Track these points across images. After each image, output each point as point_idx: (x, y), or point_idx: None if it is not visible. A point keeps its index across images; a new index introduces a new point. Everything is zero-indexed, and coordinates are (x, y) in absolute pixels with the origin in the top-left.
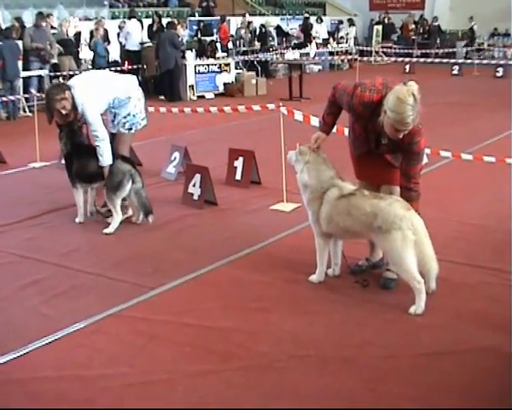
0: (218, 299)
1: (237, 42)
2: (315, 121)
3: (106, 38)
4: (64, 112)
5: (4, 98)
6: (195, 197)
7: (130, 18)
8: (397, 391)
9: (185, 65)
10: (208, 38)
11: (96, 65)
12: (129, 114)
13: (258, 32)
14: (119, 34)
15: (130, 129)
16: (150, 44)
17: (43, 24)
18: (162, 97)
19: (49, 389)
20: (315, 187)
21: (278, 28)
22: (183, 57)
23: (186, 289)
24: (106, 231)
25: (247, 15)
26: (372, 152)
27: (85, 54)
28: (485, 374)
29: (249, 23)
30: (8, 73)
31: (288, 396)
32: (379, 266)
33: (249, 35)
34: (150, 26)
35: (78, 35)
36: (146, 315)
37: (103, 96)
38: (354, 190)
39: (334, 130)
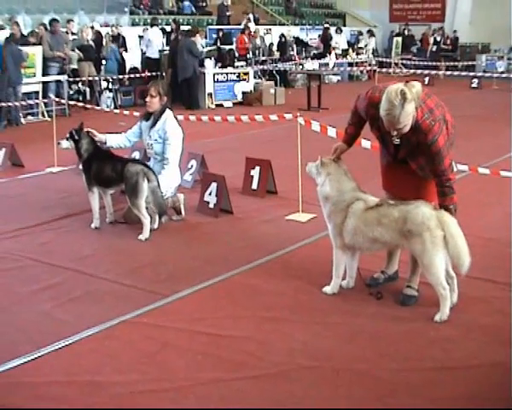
0: (231, 308)
1: (256, 51)
2: (332, 132)
3: (122, 45)
4: (148, 99)
5: (3, 104)
6: (211, 206)
7: (152, 25)
8: (407, 404)
9: (204, 73)
10: (227, 47)
11: (106, 70)
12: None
13: (277, 42)
14: (140, 42)
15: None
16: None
17: (59, 29)
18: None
19: (58, 394)
20: (337, 199)
21: (297, 38)
22: (202, 66)
23: (199, 297)
24: (141, 237)
25: (251, 21)
26: (397, 161)
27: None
28: (496, 389)
29: (265, 33)
30: (10, 78)
31: (299, 406)
32: (394, 278)
33: (264, 45)
34: (169, 34)
35: (99, 41)
36: (159, 322)
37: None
38: (380, 201)
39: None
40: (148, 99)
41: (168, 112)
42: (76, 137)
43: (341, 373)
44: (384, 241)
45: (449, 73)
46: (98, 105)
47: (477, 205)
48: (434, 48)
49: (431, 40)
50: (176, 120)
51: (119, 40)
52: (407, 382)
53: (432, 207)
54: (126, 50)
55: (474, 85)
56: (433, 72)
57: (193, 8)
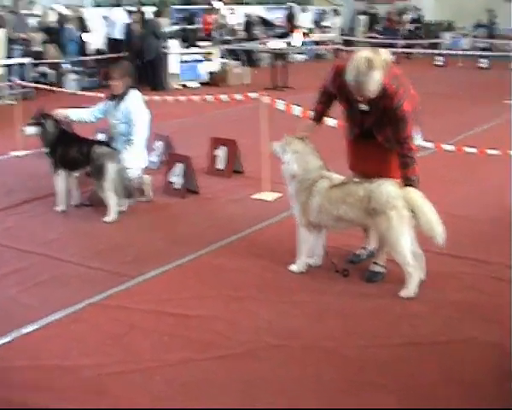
0: (198, 288)
1: (222, 31)
2: (297, 111)
3: (81, 26)
4: (112, 86)
5: None
6: (177, 186)
7: (115, 6)
8: (376, 382)
9: (167, 54)
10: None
11: (66, 51)
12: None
13: (244, 22)
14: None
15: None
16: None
17: (21, 10)
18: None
19: (25, 378)
20: (302, 177)
21: (262, 19)
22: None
23: (166, 277)
24: (106, 219)
25: (217, 4)
26: (364, 135)
27: None
28: (465, 365)
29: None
30: None
31: (267, 385)
32: (374, 253)
33: (230, 26)
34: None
35: (63, 22)
36: (125, 304)
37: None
38: (345, 179)
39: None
40: (111, 82)
41: (133, 92)
42: (41, 121)
43: (309, 352)
44: (348, 219)
45: (414, 51)
46: (62, 87)
47: (443, 182)
48: (412, 27)
49: (407, 19)
50: (141, 100)
51: (77, 22)
52: (375, 359)
53: (397, 186)
54: (86, 31)
55: (438, 63)
56: (400, 50)
57: None
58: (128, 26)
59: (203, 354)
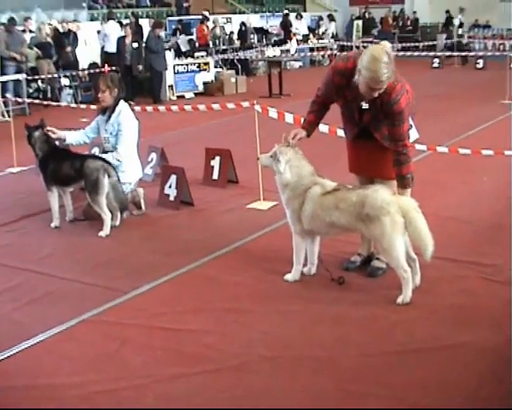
0: (191, 301)
1: (216, 41)
2: (289, 118)
3: (73, 41)
4: (100, 94)
5: None
6: (172, 198)
7: (108, 19)
8: (369, 391)
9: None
10: (187, 38)
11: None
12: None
13: (238, 31)
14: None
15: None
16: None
17: (16, 28)
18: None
19: (18, 397)
20: (295, 185)
21: (258, 28)
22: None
23: (159, 291)
24: (101, 234)
25: (207, 14)
26: (362, 135)
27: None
28: (463, 370)
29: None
30: None
31: (260, 398)
32: (370, 260)
33: (226, 35)
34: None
35: (57, 38)
36: (118, 320)
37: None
38: (337, 185)
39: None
40: (99, 94)
41: (122, 104)
42: (30, 132)
43: (302, 362)
44: (341, 225)
45: (409, 53)
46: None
47: (438, 184)
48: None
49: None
50: (130, 111)
51: (70, 36)
52: (369, 367)
53: (391, 193)
54: (76, 46)
55: (435, 65)
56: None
57: (148, 1)
58: (120, 39)
59: (195, 369)
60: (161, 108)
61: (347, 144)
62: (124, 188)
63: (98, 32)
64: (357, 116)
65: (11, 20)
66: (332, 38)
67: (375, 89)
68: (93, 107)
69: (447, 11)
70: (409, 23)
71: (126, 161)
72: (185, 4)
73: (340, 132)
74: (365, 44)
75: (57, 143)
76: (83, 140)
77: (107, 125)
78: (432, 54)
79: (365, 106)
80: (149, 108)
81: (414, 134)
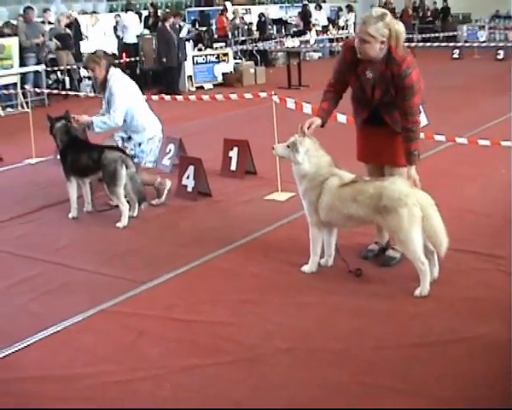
0: (208, 292)
1: (236, 32)
2: (307, 108)
3: (76, 32)
4: (92, 74)
5: None
6: (189, 189)
7: (126, 10)
8: (385, 384)
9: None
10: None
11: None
12: (139, 148)
13: (256, 22)
14: (115, 28)
15: (134, 157)
16: (149, 36)
17: (33, 17)
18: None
19: (31, 389)
20: (313, 176)
21: (277, 19)
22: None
23: (176, 282)
24: (119, 224)
25: (228, 5)
26: (373, 121)
27: (85, 48)
28: (479, 363)
29: (244, 14)
30: None
31: (276, 390)
32: (386, 248)
33: (245, 26)
34: (147, 18)
35: (77, 27)
36: (135, 311)
37: (134, 100)
38: (355, 177)
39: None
40: (91, 74)
41: (112, 70)
42: (53, 123)
43: (318, 354)
44: (359, 217)
45: (429, 44)
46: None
47: (457, 177)
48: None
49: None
50: (122, 75)
51: (73, 28)
52: (385, 360)
53: (409, 185)
54: (81, 39)
55: (455, 56)
56: (413, 44)
57: None
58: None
59: (211, 360)
60: (179, 97)
61: (357, 132)
62: (151, 145)
63: (116, 22)
64: (370, 92)
65: (28, 8)
66: (352, 29)
67: (364, 41)
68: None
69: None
70: (429, 14)
71: (141, 119)
72: None
73: None
74: None
75: (85, 129)
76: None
77: (107, 93)
78: (452, 44)
79: (369, 74)
80: (167, 98)
81: (423, 120)
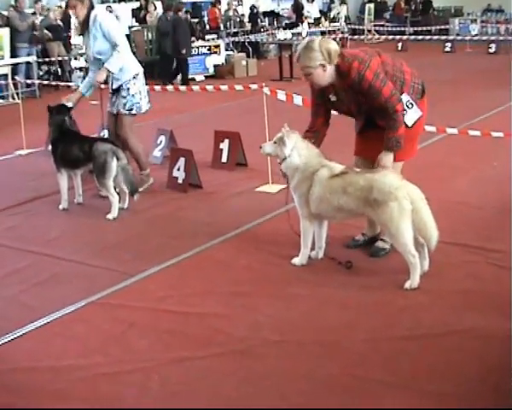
0: (198, 284)
1: (227, 23)
2: (298, 100)
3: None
4: (73, 13)
5: None
6: (180, 181)
7: (119, 1)
8: (375, 377)
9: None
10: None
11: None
12: (129, 93)
13: (248, 14)
14: None
15: (131, 110)
16: (139, 28)
17: (23, 4)
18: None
19: (22, 380)
20: (304, 167)
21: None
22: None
23: (167, 274)
24: (109, 216)
25: None
26: (370, 126)
27: (76, 39)
28: (470, 357)
29: (236, 6)
30: None
31: (266, 382)
32: (375, 240)
33: (237, 18)
34: (137, 10)
35: (68, 20)
36: (125, 302)
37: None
38: (345, 168)
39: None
40: (71, 12)
41: (95, 10)
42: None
43: (309, 346)
44: (349, 209)
45: (421, 37)
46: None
47: (448, 169)
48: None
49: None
50: (106, 12)
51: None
52: (375, 352)
53: (400, 178)
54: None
55: (447, 49)
56: (405, 37)
57: None
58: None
59: (201, 352)
60: (169, 87)
61: (356, 134)
62: (138, 85)
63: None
64: (346, 108)
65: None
66: (344, 21)
67: (307, 74)
68: (103, 86)
69: None
70: (420, 7)
71: (126, 55)
72: None
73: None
74: (377, 28)
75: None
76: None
77: (89, 36)
78: (444, 38)
79: (333, 98)
80: (157, 88)
81: (415, 113)
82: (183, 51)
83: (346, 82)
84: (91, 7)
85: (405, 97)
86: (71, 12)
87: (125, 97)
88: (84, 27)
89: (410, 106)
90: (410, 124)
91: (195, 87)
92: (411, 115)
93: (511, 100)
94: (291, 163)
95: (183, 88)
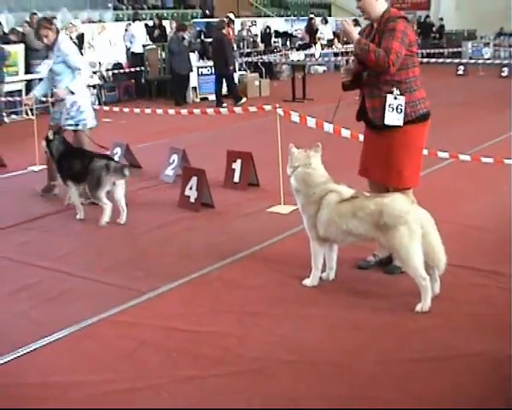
0: (210, 303)
1: (240, 43)
2: (311, 122)
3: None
4: (46, 40)
5: None
6: (192, 200)
7: (134, 20)
8: (387, 398)
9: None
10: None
11: None
12: (76, 105)
13: (261, 34)
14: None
15: (77, 125)
16: (153, 47)
17: None
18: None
19: (31, 395)
20: (306, 192)
21: (282, 32)
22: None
23: (178, 293)
24: (102, 222)
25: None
26: (374, 130)
27: (89, 56)
28: (478, 380)
29: (250, 26)
30: None
31: (277, 402)
32: (386, 263)
33: (251, 38)
34: (151, 28)
35: (81, 37)
36: (136, 320)
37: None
38: (355, 193)
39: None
40: (45, 40)
41: (61, 35)
42: (50, 138)
43: (320, 367)
44: (358, 234)
45: (433, 60)
46: None
47: (458, 193)
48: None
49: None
50: (68, 39)
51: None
52: (387, 374)
53: (410, 202)
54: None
55: (459, 72)
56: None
57: (172, 3)
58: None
59: (212, 371)
60: (183, 111)
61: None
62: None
63: (126, 31)
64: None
65: (33, 14)
66: None
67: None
68: (116, 109)
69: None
70: (433, 30)
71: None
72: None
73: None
74: None
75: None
76: (47, 85)
77: (54, 55)
78: (457, 61)
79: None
80: (171, 112)
81: (398, 121)
82: (231, 67)
83: (385, 26)
84: (57, 31)
85: (402, 100)
86: (44, 39)
87: (73, 117)
88: (51, 49)
89: (399, 111)
90: (386, 122)
91: (209, 110)
92: (392, 117)
93: None
94: (292, 185)
95: (197, 111)
